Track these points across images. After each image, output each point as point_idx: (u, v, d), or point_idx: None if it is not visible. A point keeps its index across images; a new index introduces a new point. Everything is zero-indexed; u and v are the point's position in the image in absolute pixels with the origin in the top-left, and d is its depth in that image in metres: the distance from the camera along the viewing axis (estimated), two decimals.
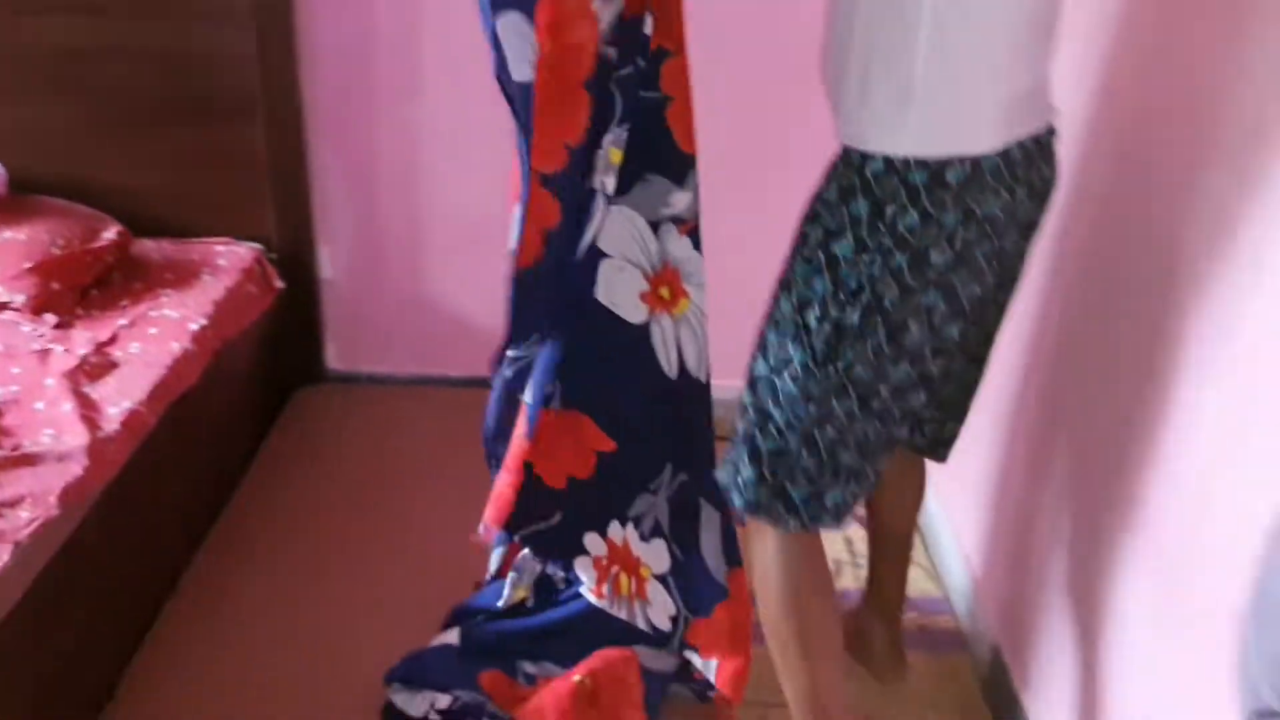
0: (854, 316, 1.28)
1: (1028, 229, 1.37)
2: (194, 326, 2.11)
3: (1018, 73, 1.25)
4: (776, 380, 1.35)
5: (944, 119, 1.23)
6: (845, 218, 1.27)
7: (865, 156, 1.25)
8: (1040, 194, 1.35)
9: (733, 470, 1.44)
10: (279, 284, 2.46)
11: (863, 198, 1.25)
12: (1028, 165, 1.30)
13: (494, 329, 2.46)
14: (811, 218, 1.32)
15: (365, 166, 2.53)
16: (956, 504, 2.11)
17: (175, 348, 2.03)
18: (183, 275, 2.30)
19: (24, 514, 1.56)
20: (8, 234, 2.18)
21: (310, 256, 2.55)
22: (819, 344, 1.31)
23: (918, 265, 1.25)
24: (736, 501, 1.44)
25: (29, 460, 1.67)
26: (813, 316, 1.31)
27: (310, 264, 2.56)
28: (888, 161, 1.24)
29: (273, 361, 2.55)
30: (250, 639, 1.93)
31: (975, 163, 1.23)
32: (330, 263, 2.61)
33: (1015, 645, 1.76)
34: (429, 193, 2.55)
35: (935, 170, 1.22)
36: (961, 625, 2.00)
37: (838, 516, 1.41)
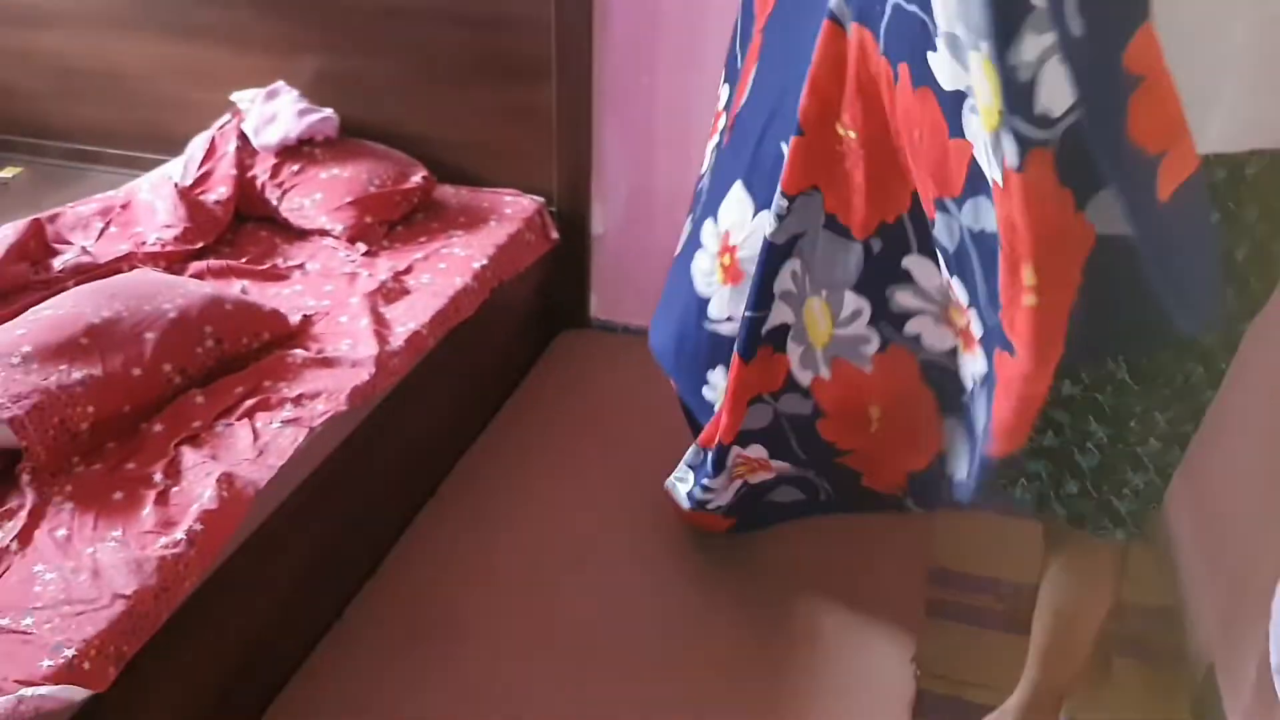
0: None
1: None
2: (477, 265, 2.36)
3: None
4: (1099, 396, 1.35)
5: (1248, 115, 1.20)
6: None
7: None
8: None
9: (1048, 485, 1.44)
10: (555, 235, 2.69)
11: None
12: None
13: None
14: None
15: (642, 133, 2.70)
16: (1183, 511, 2.02)
17: (459, 282, 2.29)
18: (473, 219, 2.57)
19: (319, 406, 1.83)
20: (335, 170, 2.52)
21: (585, 212, 2.75)
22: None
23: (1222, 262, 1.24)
24: (1059, 512, 1.45)
25: (328, 363, 1.96)
26: None
27: (584, 219, 2.76)
28: None
29: (542, 305, 2.78)
30: (498, 536, 2.17)
31: (1275, 155, 1.21)
32: (602, 220, 2.80)
33: (1228, 664, 1.69)
34: (699, 162, 2.68)
35: (1235, 166, 1.21)
36: (1182, 639, 1.93)
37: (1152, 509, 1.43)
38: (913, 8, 1.30)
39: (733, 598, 2.04)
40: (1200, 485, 1.98)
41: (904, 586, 2.05)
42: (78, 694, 1.30)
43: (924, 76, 1.30)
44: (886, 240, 1.59)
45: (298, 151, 2.57)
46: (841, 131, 1.55)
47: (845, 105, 1.51)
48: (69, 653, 1.31)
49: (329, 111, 2.63)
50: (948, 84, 1.26)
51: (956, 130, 1.28)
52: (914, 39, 1.30)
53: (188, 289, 1.97)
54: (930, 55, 1.28)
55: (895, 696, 1.82)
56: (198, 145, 2.64)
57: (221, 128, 2.65)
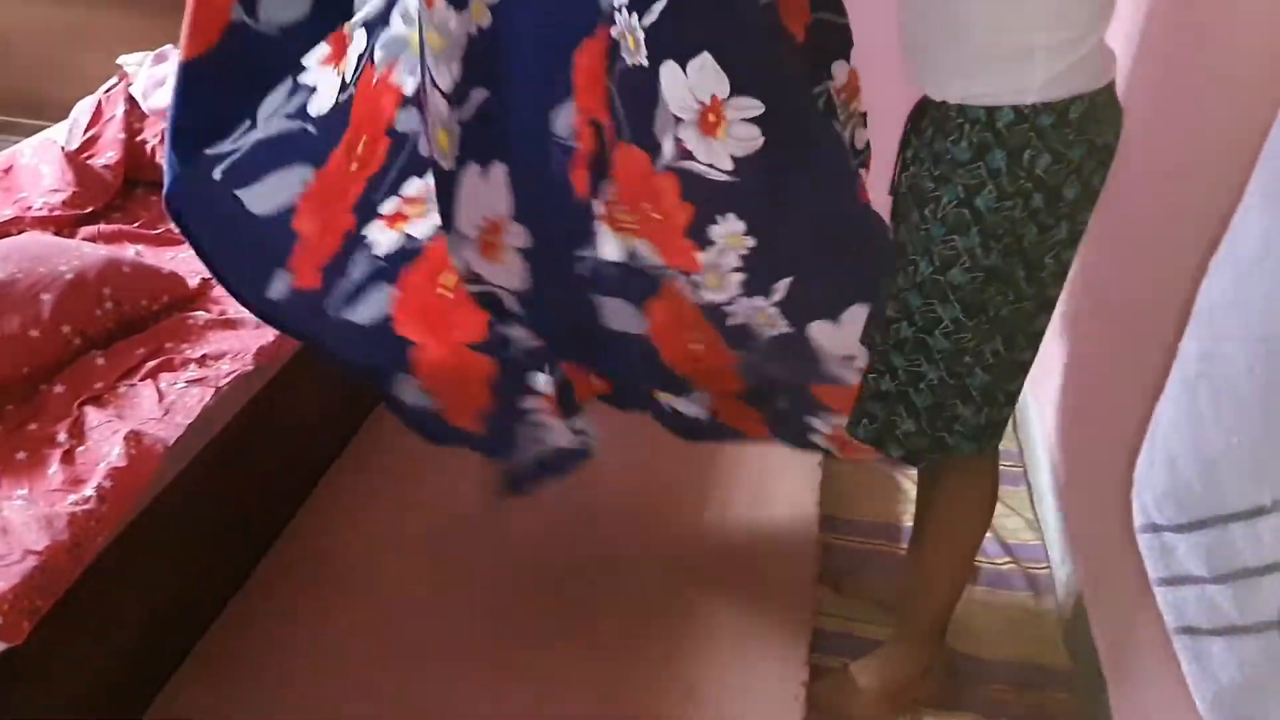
0: (998, 260, 1.38)
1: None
2: None
3: (1107, 15, 1.34)
4: (929, 339, 1.46)
5: (1066, 65, 1.31)
6: (984, 172, 1.36)
7: (992, 111, 1.34)
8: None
9: (885, 425, 1.55)
10: None
11: (998, 149, 1.34)
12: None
13: None
14: (941, 180, 1.40)
15: None
16: (1059, 454, 2.17)
17: None
18: None
19: (225, 366, 1.83)
20: None
21: None
22: (969, 297, 1.41)
23: (1052, 202, 1.35)
24: (895, 452, 1.56)
25: (231, 324, 1.95)
26: (959, 272, 1.40)
27: None
28: (1017, 111, 1.32)
29: None
30: (405, 493, 2.21)
31: (1091, 98, 1.33)
32: None
33: (1096, 593, 1.84)
34: None
35: (1061, 110, 1.32)
36: (1053, 572, 2.08)
37: (996, 434, 1.55)
38: None
39: (640, 545, 2.11)
40: (1060, 416, 2.13)
41: (795, 527, 2.16)
42: None
43: None
44: None
45: None
46: None
47: None
48: None
49: None
50: None
51: None
52: None
53: (82, 251, 1.94)
54: None
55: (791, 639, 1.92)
56: (83, 109, 2.57)
57: (108, 91, 2.58)
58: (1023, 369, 1.50)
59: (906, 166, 1.50)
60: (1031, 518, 2.23)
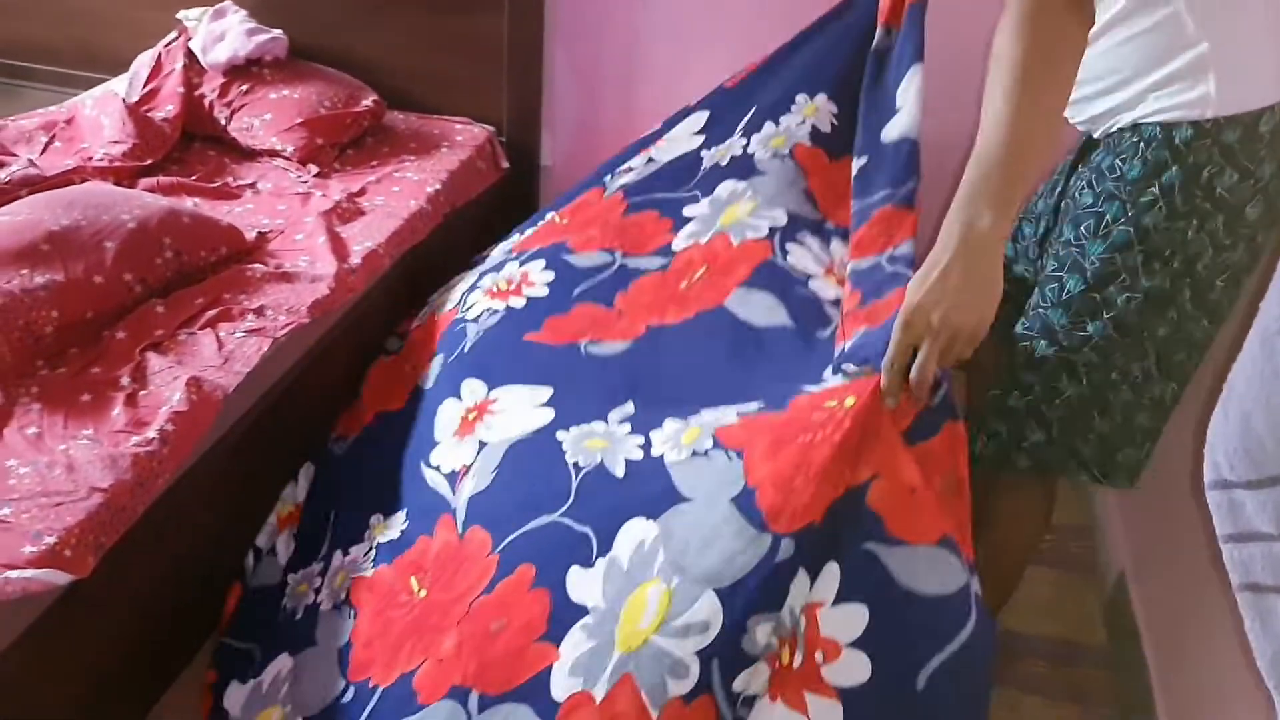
0: (1164, 282, 1.32)
1: None
2: (430, 189, 2.39)
3: None
4: (1073, 357, 1.38)
5: (1246, 74, 1.25)
6: (1157, 190, 1.30)
7: (1169, 128, 1.28)
8: None
9: (1011, 436, 1.45)
10: (505, 165, 2.72)
11: (1175, 167, 1.28)
12: None
13: None
14: (1105, 196, 1.35)
15: (591, 66, 2.74)
16: None
17: (413, 204, 2.31)
18: (424, 146, 2.59)
19: (281, 318, 1.86)
20: (285, 91, 2.52)
21: (535, 144, 2.78)
22: (1124, 316, 1.34)
23: (1232, 222, 1.29)
24: (1022, 463, 1.45)
25: (288, 278, 1.98)
26: (1116, 289, 1.34)
27: (534, 151, 2.79)
28: (1197, 126, 1.26)
29: (490, 236, 2.81)
30: None
31: None
32: (551, 152, 2.84)
33: (1139, 573, 1.84)
34: (646, 96, 2.74)
35: (1249, 124, 1.25)
36: (1095, 549, 2.08)
37: (1131, 476, 1.44)
38: None
39: None
40: None
41: None
42: (60, 578, 1.34)
43: None
44: None
45: (246, 71, 2.56)
46: None
47: None
48: (50, 540, 1.35)
49: (278, 32, 2.61)
50: None
51: None
52: None
53: (144, 201, 1.97)
54: None
55: None
56: (143, 62, 2.60)
57: (168, 45, 2.62)
58: (1171, 399, 1.41)
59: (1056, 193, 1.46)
60: (1074, 495, 2.23)
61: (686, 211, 1.95)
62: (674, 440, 1.46)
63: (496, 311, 1.92)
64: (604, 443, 1.52)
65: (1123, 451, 1.42)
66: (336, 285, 1.97)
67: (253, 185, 2.37)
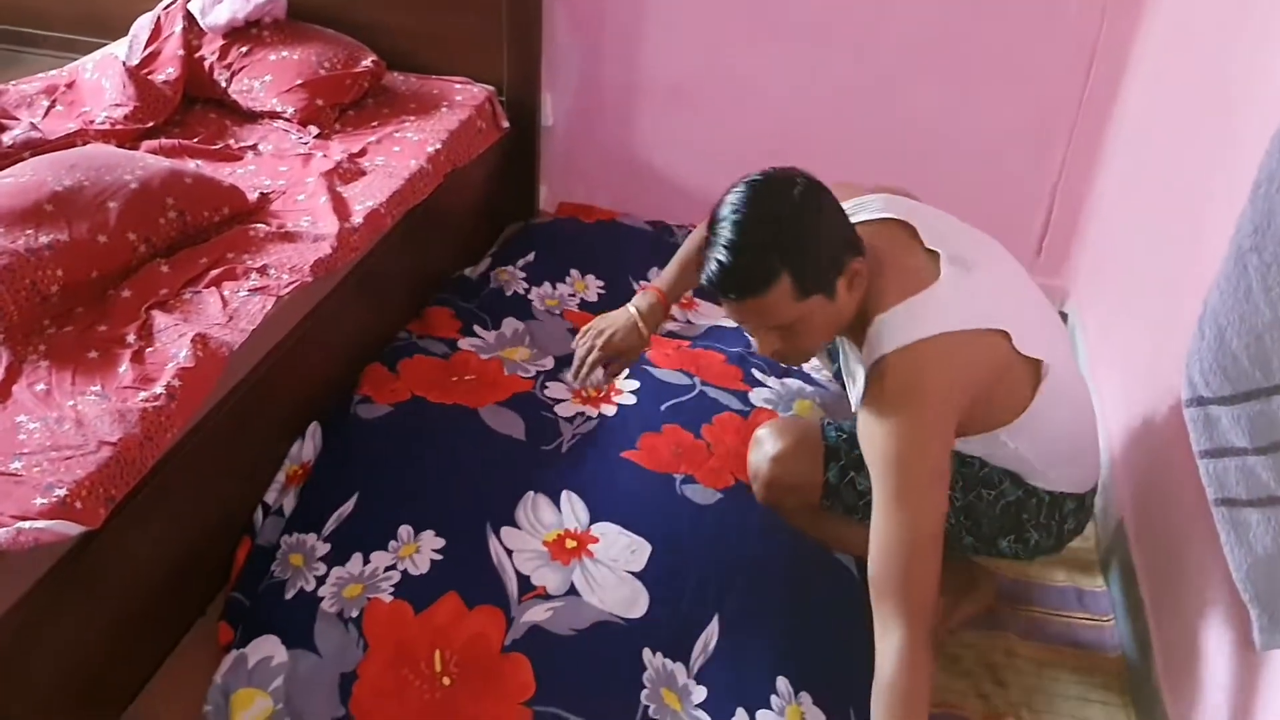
0: None
1: None
2: (430, 149, 2.39)
3: None
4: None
5: None
6: None
7: None
8: None
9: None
10: (505, 124, 2.72)
11: None
12: None
13: (690, 184, 2.69)
14: None
15: (592, 27, 2.73)
16: (1104, 374, 2.17)
17: (413, 164, 2.32)
18: (424, 105, 2.59)
19: (285, 276, 1.88)
20: (285, 53, 2.52)
21: (535, 103, 2.78)
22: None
23: None
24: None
25: (290, 237, 2.00)
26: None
27: (534, 110, 2.78)
28: None
29: (492, 196, 2.82)
30: None
31: None
32: (551, 111, 2.84)
33: (1139, 522, 1.86)
34: (646, 57, 2.74)
35: None
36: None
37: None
38: None
39: None
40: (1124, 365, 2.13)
41: None
42: (72, 529, 1.36)
43: None
44: None
45: (245, 33, 2.56)
46: None
47: None
48: (61, 492, 1.37)
49: None
50: None
51: None
52: None
53: (147, 162, 1.98)
54: None
55: None
56: (143, 25, 2.60)
57: (167, 8, 2.61)
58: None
59: None
60: None
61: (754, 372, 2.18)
62: None
63: (591, 418, 2.05)
64: (678, 704, 1.55)
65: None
66: (339, 244, 1.99)
67: (254, 147, 2.38)
